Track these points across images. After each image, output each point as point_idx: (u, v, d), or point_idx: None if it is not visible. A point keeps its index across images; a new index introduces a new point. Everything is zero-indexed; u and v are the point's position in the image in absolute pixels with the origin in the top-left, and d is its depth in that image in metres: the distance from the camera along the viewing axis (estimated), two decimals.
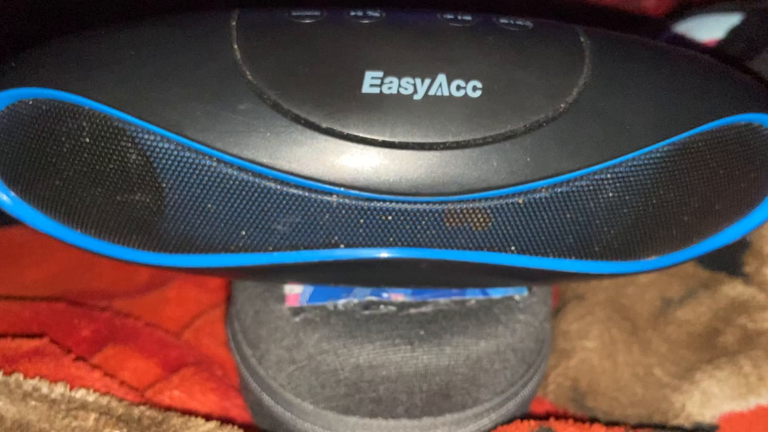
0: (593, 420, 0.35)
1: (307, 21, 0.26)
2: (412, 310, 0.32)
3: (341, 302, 0.32)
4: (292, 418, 0.32)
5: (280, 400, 0.32)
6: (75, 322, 0.40)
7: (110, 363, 0.37)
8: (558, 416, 0.37)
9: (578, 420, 0.33)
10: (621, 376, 0.42)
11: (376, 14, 0.27)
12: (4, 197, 0.29)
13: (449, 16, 0.27)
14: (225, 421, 0.34)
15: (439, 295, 0.33)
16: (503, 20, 0.27)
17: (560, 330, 0.42)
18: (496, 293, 0.33)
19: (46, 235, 0.30)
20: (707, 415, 0.36)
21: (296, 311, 0.31)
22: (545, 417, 0.38)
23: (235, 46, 0.25)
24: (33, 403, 0.29)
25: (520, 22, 0.27)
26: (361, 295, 0.32)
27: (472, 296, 0.33)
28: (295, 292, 0.32)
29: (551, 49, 0.26)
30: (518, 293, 0.33)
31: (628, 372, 0.42)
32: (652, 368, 0.42)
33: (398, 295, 0.32)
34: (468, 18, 0.27)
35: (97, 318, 0.41)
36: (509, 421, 0.34)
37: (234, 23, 0.26)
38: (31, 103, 0.26)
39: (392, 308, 0.32)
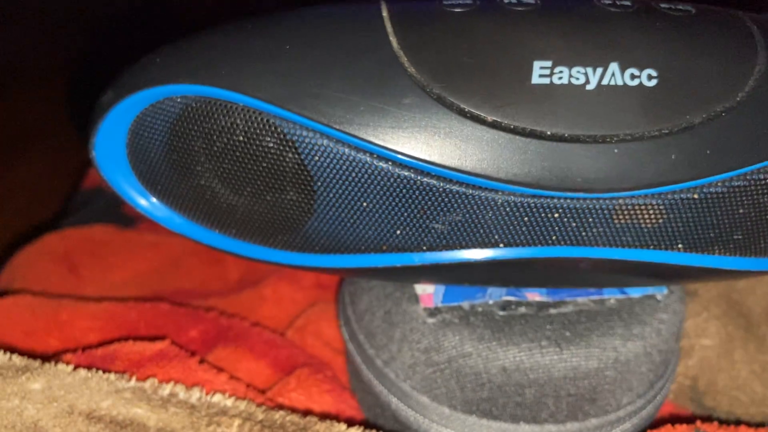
0: (738, 422, 0.34)
1: (460, 10, 0.25)
2: (552, 311, 0.30)
3: (478, 303, 0.31)
4: (425, 422, 0.31)
5: (413, 404, 0.31)
6: (182, 322, 0.39)
7: (222, 365, 0.36)
8: (682, 418, 0.35)
9: (723, 423, 0.32)
10: (738, 375, 0.40)
11: (531, 1, 0.25)
12: (143, 201, 0.28)
13: (607, 2, 0.26)
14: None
15: (576, 294, 0.31)
16: (663, 5, 0.26)
17: None
18: (635, 292, 0.32)
19: (180, 235, 0.29)
20: None
21: (432, 312, 0.30)
22: (671, 419, 0.37)
23: (392, 39, 0.24)
24: (173, 409, 0.28)
25: (681, 7, 0.26)
26: (496, 295, 0.31)
27: (611, 295, 0.31)
28: (427, 292, 0.31)
29: (722, 35, 0.25)
30: (659, 292, 0.32)
31: (745, 370, 0.40)
32: None
33: (534, 295, 0.31)
34: (627, 3, 0.26)
35: (204, 318, 0.40)
36: (647, 424, 0.32)
37: (386, 14, 0.25)
38: (179, 100, 0.25)
39: (531, 309, 0.30)
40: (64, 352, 0.34)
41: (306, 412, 0.35)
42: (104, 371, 0.30)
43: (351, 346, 0.35)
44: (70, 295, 0.45)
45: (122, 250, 0.51)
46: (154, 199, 0.28)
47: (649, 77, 0.24)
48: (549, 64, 0.24)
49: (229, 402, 0.29)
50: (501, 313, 0.30)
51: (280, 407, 0.33)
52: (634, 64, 0.24)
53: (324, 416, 0.35)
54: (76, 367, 0.29)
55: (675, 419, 0.32)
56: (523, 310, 0.30)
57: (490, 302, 0.31)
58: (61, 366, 0.29)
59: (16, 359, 0.29)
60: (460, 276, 0.28)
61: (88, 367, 0.30)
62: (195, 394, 0.29)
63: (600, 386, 0.29)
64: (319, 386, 0.36)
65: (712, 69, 0.24)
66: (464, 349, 0.29)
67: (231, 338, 0.38)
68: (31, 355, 0.33)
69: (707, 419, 0.35)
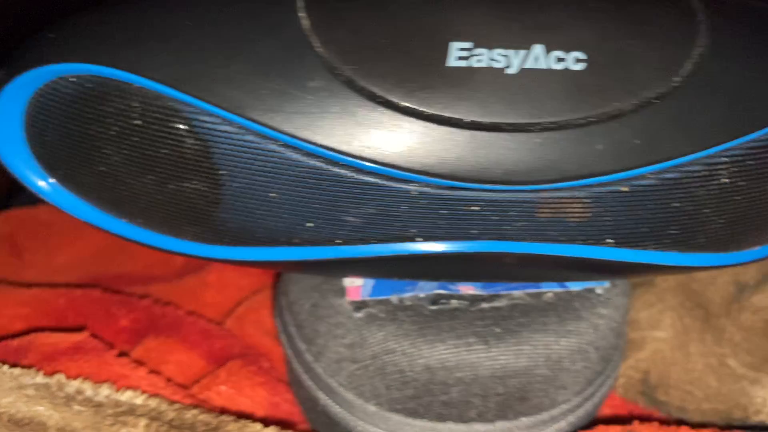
0: (680, 422, 0.33)
1: None
2: (485, 305, 0.29)
3: (407, 296, 0.29)
4: (352, 419, 0.30)
5: (340, 401, 0.30)
6: (113, 310, 0.38)
7: (152, 356, 0.35)
8: (638, 417, 0.34)
9: (663, 423, 0.31)
10: (693, 368, 0.39)
11: None
12: (42, 184, 0.26)
13: None
14: (278, 422, 0.32)
15: (513, 287, 0.30)
16: None
17: (629, 318, 0.39)
18: (575, 285, 0.30)
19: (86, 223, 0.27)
20: None
21: (358, 306, 0.29)
22: (619, 418, 0.36)
23: (302, 14, 0.22)
24: (77, 407, 0.26)
25: None
26: (427, 288, 0.29)
27: (549, 288, 0.30)
28: (355, 284, 0.30)
29: (660, 14, 0.23)
30: (599, 285, 0.30)
31: (701, 363, 0.39)
32: (726, 359, 0.39)
33: (468, 288, 0.30)
34: None
35: (136, 306, 0.38)
36: (586, 422, 0.31)
37: None
38: (73, 80, 0.23)
39: (463, 302, 0.29)
40: None
41: (233, 408, 0.33)
42: (13, 365, 0.28)
43: (283, 338, 0.34)
44: (8, 279, 0.44)
45: (67, 232, 0.49)
46: (58, 185, 0.27)
47: (577, 60, 0.22)
48: (468, 45, 0.22)
49: (139, 400, 0.27)
50: (431, 307, 0.29)
51: (201, 403, 0.32)
52: (561, 46, 0.22)
53: (251, 413, 0.34)
54: None
55: (614, 419, 0.31)
56: (454, 304, 0.29)
57: (421, 296, 0.29)
58: None
59: None
60: (378, 270, 0.27)
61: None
62: (103, 392, 0.27)
63: (530, 385, 0.28)
64: (251, 379, 0.34)
65: (646, 52, 0.22)
66: (388, 346, 0.28)
67: (163, 328, 0.37)
68: None
69: (647, 419, 0.34)
